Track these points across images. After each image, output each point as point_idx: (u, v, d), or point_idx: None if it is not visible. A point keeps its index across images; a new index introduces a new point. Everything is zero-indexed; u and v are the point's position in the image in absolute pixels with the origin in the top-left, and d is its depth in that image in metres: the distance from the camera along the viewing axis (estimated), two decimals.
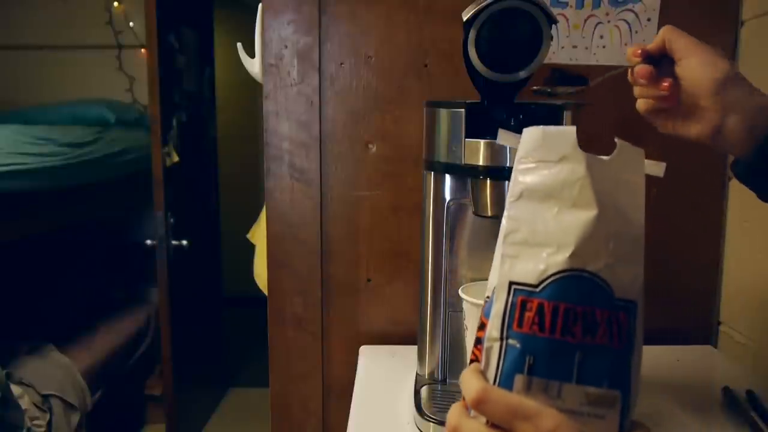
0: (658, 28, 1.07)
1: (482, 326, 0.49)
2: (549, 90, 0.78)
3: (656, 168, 0.53)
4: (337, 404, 1.16)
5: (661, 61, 0.68)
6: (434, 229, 0.89)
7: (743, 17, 1.08)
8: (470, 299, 0.79)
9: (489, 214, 0.81)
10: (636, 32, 1.08)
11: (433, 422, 0.79)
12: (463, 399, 0.47)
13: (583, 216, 0.46)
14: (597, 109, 1.08)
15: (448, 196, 0.87)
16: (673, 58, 0.67)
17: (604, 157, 0.50)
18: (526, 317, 0.45)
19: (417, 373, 0.93)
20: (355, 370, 1.02)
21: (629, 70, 0.71)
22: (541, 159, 0.48)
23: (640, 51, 0.68)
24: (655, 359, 1.02)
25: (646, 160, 0.52)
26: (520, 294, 0.46)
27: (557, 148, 0.48)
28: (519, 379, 0.45)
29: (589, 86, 0.73)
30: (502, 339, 0.46)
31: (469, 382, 0.45)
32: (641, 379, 0.50)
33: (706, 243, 1.14)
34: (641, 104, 0.73)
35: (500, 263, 0.48)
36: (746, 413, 0.82)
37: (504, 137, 0.54)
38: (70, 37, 3.20)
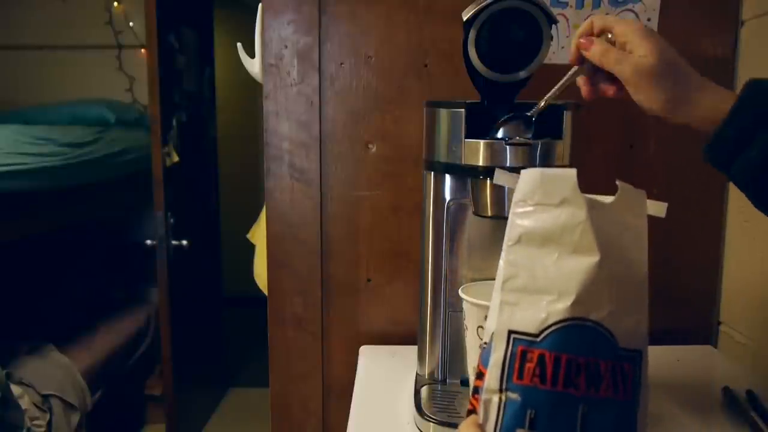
0: (658, 29, 1.07)
1: (480, 375, 0.46)
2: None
3: (658, 208, 0.52)
4: (337, 404, 1.16)
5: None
6: (434, 229, 0.89)
7: (743, 17, 1.08)
8: (470, 299, 0.79)
9: (489, 214, 0.81)
10: None
11: (433, 422, 0.79)
12: None
13: (585, 262, 0.45)
14: (597, 108, 1.08)
15: (448, 196, 0.87)
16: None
17: (606, 200, 0.48)
18: (526, 368, 0.43)
19: (417, 373, 0.93)
20: (355, 370, 1.02)
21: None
22: (539, 202, 0.46)
23: (576, 57, 0.68)
24: (655, 359, 1.02)
25: (648, 201, 0.50)
26: (520, 343, 0.44)
27: (557, 190, 0.46)
28: None
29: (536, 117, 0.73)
30: (501, 391, 0.44)
31: None
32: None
33: (706, 243, 1.14)
34: (585, 91, 0.72)
35: (498, 310, 0.45)
36: (746, 413, 0.82)
37: (501, 177, 0.52)
38: (70, 37, 3.20)
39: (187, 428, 2.73)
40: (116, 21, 3.20)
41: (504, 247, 0.47)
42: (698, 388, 0.95)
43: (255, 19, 1.13)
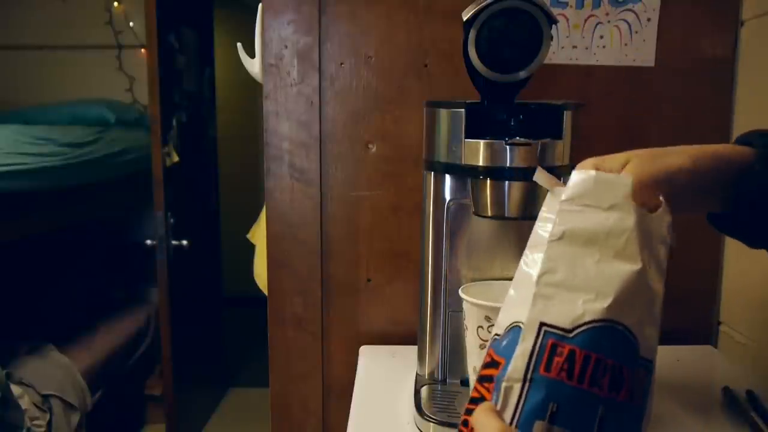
0: (658, 29, 1.07)
1: (493, 364, 0.46)
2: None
3: (672, 237, 0.54)
4: (337, 404, 1.16)
5: None
6: (434, 229, 0.89)
7: (743, 17, 1.08)
8: (470, 299, 0.79)
9: (489, 214, 0.81)
10: (636, 32, 1.08)
11: (433, 422, 0.79)
12: None
13: (627, 268, 0.45)
14: (597, 108, 1.09)
15: (448, 196, 0.87)
16: None
17: (651, 213, 0.49)
18: (555, 362, 0.43)
19: (417, 373, 0.93)
20: (355, 370, 1.02)
21: None
22: (588, 203, 0.47)
23: None
24: None
25: None
26: (551, 337, 0.44)
27: (608, 195, 0.47)
28: (539, 426, 0.42)
29: None
30: (525, 380, 0.44)
31: (487, 422, 0.43)
32: None
33: (706, 243, 1.14)
34: None
35: (532, 302, 0.45)
36: (746, 413, 0.82)
37: (540, 177, 0.52)
38: (70, 37, 3.20)
39: (187, 428, 2.73)
40: (116, 21, 3.20)
41: (536, 243, 0.48)
42: (698, 388, 0.95)
43: (255, 19, 1.13)
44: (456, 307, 0.88)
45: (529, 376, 0.44)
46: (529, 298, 0.46)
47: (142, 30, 2.96)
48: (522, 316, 0.46)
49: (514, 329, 0.46)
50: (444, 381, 0.91)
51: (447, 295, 0.89)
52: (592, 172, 0.48)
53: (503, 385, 0.44)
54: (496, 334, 0.48)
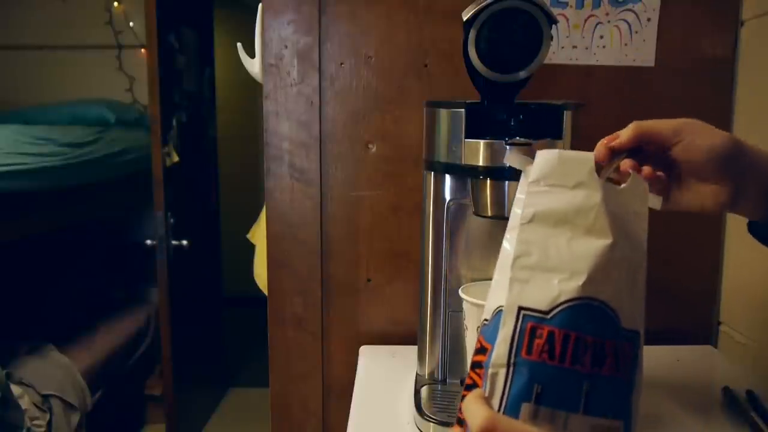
0: (658, 29, 1.07)
1: (482, 350, 0.47)
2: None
3: (654, 201, 0.54)
4: (337, 404, 1.16)
5: (637, 153, 0.61)
6: (434, 229, 0.89)
7: (743, 17, 1.08)
8: (470, 299, 0.79)
9: (489, 214, 0.81)
10: (636, 32, 1.08)
11: (433, 422, 0.79)
12: (458, 423, 0.46)
13: (598, 243, 0.46)
14: (597, 108, 1.08)
15: (448, 196, 0.87)
16: (661, 145, 0.60)
17: (617, 186, 0.49)
18: (535, 344, 0.44)
19: (417, 373, 0.93)
20: (355, 370, 1.02)
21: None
22: (555, 183, 0.48)
23: (611, 148, 0.59)
24: (655, 359, 1.02)
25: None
26: (529, 320, 0.45)
27: (573, 173, 0.47)
28: (526, 408, 0.43)
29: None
30: (509, 365, 0.44)
31: (474, 409, 0.43)
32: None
33: (706, 243, 1.14)
34: None
35: (509, 286, 0.46)
36: (746, 413, 0.82)
37: (512, 158, 0.52)
38: (70, 37, 3.20)
39: (187, 428, 2.73)
40: (116, 21, 3.20)
41: (513, 225, 0.48)
42: (698, 388, 0.95)
43: (255, 19, 1.13)
44: (456, 307, 0.88)
45: (512, 361, 0.44)
46: (507, 282, 0.47)
47: (142, 30, 2.96)
48: (503, 300, 0.46)
49: (498, 314, 0.46)
50: (444, 381, 0.91)
51: (447, 295, 0.89)
52: (556, 152, 0.48)
53: (489, 371, 0.45)
54: (485, 320, 0.49)
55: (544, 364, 0.44)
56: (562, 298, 0.44)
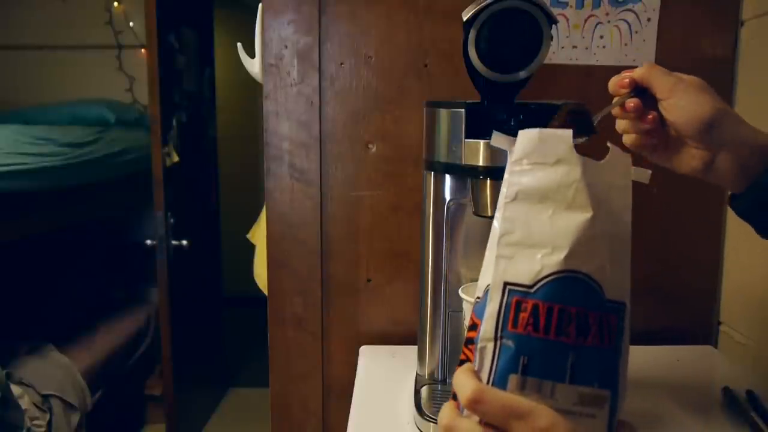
0: (658, 29, 1.07)
1: (473, 326, 0.49)
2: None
3: (642, 174, 0.54)
4: (337, 404, 1.16)
5: (644, 94, 0.66)
6: (434, 229, 0.89)
7: (743, 17, 1.08)
8: (470, 299, 0.79)
9: (489, 214, 0.81)
10: (636, 32, 1.08)
11: (433, 422, 0.79)
12: (453, 398, 0.47)
13: (579, 218, 0.47)
14: (597, 108, 1.08)
15: (448, 196, 0.87)
16: (654, 95, 0.65)
17: (598, 162, 0.50)
18: (520, 318, 0.45)
19: (417, 373, 0.93)
20: (355, 370, 1.02)
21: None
22: (536, 161, 0.49)
23: (627, 81, 0.66)
24: (655, 359, 1.03)
25: (632, 167, 0.53)
26: (515, 294, 0.46)
27: (553, 150, 0.48)
28: (513, 379, 0.45)
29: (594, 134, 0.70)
30: (496, 339, 0.46)
31: (463, 382, 0.45)
32: (636, 380, 0.50)
33: (706, 243, 1.14)
34: (626, 139, 0.71)
35: (495, 264, 0.48)
36: (746, 413, 0.82)
37: (497, 139, 0.53)
38: (70, 37, 3.20)
39: (187, 428, 2.73)
40: (116, 21, 3.20)
41: (500, 205, 0.49)
42: (698, 388, 0.95)
43: (255, 19, 1.13)
44: (456, 307, 0.88)
45: (499, 335, 0.46)
46: (493, 255, 0.48)
47: (142, 30, 2.96)
48: (491, 277, 0.48)
49: (488, 291, 0.48)
50: (444, 381, 0.91)
51: (447, 295, 0.89)
52: (536, 130, 0.49)
53: (478, 345, 0.46)
54: (477, 297, 0.50)
55: (529, 336, 0.45)
56: (545, 272, 0.46)
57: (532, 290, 0.46)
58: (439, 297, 0.90)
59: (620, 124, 0.71)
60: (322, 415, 1.17)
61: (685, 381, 0.96)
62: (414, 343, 0.95)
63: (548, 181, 0.48)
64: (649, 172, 0.55)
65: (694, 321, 1.15)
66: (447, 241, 0.88)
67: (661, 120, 0.66)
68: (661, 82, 0.64)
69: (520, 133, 0.50)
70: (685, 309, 1.14)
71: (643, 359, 1.00)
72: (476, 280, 0.87)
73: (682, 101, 0.63)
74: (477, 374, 0.46)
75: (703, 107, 0.62)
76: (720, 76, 1.10)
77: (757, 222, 0.67)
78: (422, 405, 0.83)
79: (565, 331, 0.45)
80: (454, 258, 0.89)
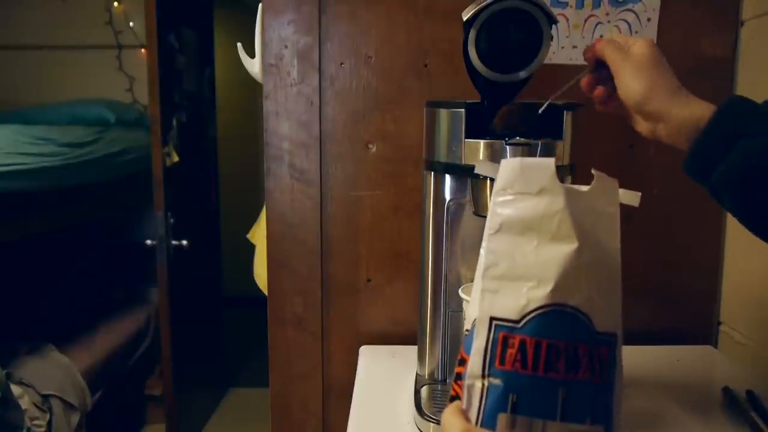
0: (658, 29, 1.07)
1: (462, 362, 0.47)
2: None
3: (632, 197, 0.53)
4: (337, 404, 1.16)
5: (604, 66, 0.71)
6: (434, 229, 0.89)
7: (743, 17, 1.08)
8: (470, 299, 0.79)
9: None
10: (636, 32, 1.08)
11: (433, 422, 0.79)
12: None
13: (564, 249, 0.46)
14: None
15: (448, 196, 0.87)
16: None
17: (582, 188, 0.49)
18: (508, 354, 0.44)
19: (417, 373, 0.93)
20: (355, 370, 1.02)
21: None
22: (519, 191, 0.47)
23: (588, 56, 0.72)
24: (655, 359, 1.03)
25: (621, 190, 0.52)
26: (501, 330, 0.45)
27: (535, 180, 0.47)
28: (502, 419, 0.44)
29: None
30: (484, 376, 0.45)
31: (452, 422, 0.44)
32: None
33: (706, 243, 1.14)
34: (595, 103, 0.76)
35: (480, 298, 0.46)
36: (746, 413, 0.82)
37: (483, 167, 0.53)
38: (70, 37, 3.20)
39: (187, 428, 2.73)
40: (116, 21, 3.20)
41: (485, 236, 0.48)
42: (698, 388, 0.95)
43: (255, 19, 1.13)
44: (456, 307, 0.88)
45: (486, 372, 0.45)
46: (479, 288, 0.47)
47: (142, 30, 2.96)
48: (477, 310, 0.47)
49: (475, 324, 0.47)
50: (444, 381, 0.91)
51: (447, 296, 0.89)
52: (518, 159, 0.48)
53: (466, 383, 0.45)
54: (466, 330, 0.49)
55: (517, 373, 0.44)
56: (532, 306, 0.45)
57: (519, 325, 0.44)
58: (439, 297, 0.90)
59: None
60: (322, 415, 1.17)
61: (685, 381, 0.96)
62: (414, 343, 0.95)
63: (532, 211, 0.47)
64: (638, 194, 0.53)
65: (694, 321, 1.15)
66: (447, 241, 0.88)
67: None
68: (611, 60, 0.69)
69: (503, 162, 0.49)
70: (686, 309, 1.14)
71: (643, 359, 1.00)
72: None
73: (623, 78, 0.67)
74: (466, 413, 0.45)
75: (635, 86, 0.67)
76: (720, 76, 1.10)
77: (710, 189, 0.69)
78: (422, 405, 0.83)
79: (554, 367, 0.44)
80: (454, 258, 0.89)
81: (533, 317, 0.44)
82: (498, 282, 0.46)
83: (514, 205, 0.47)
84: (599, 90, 0.73)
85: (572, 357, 0.44)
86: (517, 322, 0.45)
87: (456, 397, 0.47)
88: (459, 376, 0.47)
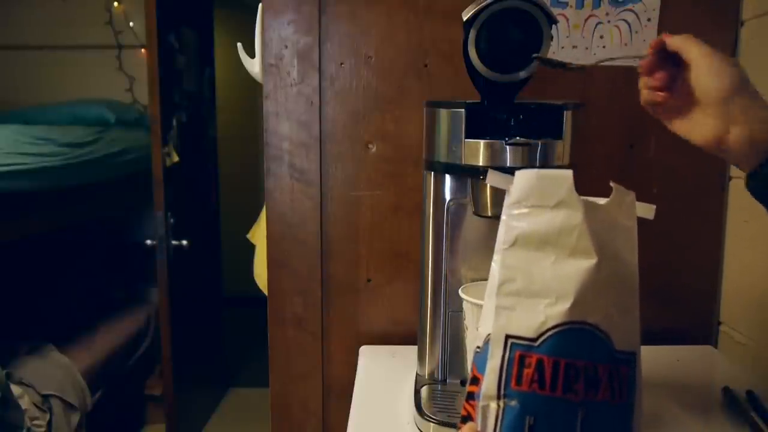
0: (658, 28, 1.07)
1: (475, 380, 0.46)
2: (554, 61, 0.74)
3: (646, 210, 0.51)
4: (337, 404, 1.16)
5: (674, 59, 0.67)
6: (434, 229, 0.89)
7: (743, 17, 1.08)
8: (470, 299, 0.79)
9: (489, 214, 0.81)
10: (636, 32, 1.08)
11: (433, 422, 0.79)
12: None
13: (583, 264, 0.44)
14: (597, 108, 1.09)
15: (448, 196, 0.87)
16: (685, 61, 0.66)
17: (599, 201, 0.47)
18: (525, 374, 0.43)
19: (417, 373, 0.93)
20: (355, 370, 1.02)
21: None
22: (535, 204, 0.46)
23: (655, 42, 0.67)
24: (655, 359, 1.02)
25: (636, 203, 0.50)
26: (517, 348, 0.43)
27: (553, 192, 0.46)
28: None
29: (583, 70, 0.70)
30: (499, 397, 0.43)
31: None
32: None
33: (706, 243, 1.14)
34: (642, 95, 0.71)
35: (494, 314, 0.45)
36: (746, 413, 0.82)
37: (494, 178, 0.50)
38: (70, 37, 3.20)
39: (187, 428, 2.73)
40: (116, 21, 3.20)
41: (498, 249, 0.47)
42: (698, 388, 0.95)
43: (255, 19, 1.13)
44: (456, 307, 0.88)
45: (502, 393, 0.43)
46: (493, 305, 0.45)
47: (142, 30, 2.96)
48: (491, 328, 0.45)
49: (489, 342, 0.45)
50: (444, 381, 0.91)
51: (447, 295, 0.89)
52: (534, 171, 0.47)
53: (480, 404, 0.44)
54: (477, 347, 0.47)
55: (534, 394, 0.42)
56: (549, 324, 0.43)
57: (536, 344, 0.43)
58: (439, 297, 0.90)
59: (640, 82, 0.71)
60: (322, 415, 1.17)
61: (685, 381, 0.96)
62: (414, 343, 0.95)
63: (549, 225, 0.45)
64: (654, 207, 0.51)
65: (694, 321, 1.15)
66: (447, 241, 0.88)
67: (684, 86, 0.67)
68: (693, 49, 0.64)
69: (518, 173, 0.47)
70: (686, 309, 1.14)
71: (643, 359, 1.00)
72: (477, 280, 0.88)
73: (707, 68, 0.63)
74: None
75: (724, 78, 0.63)
76: None
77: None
78: (422, 405, 0.83)
79: (573, 388, 0.42)
80: (454, 258, 0.89)
81: (551, 335, 0.43)
82: (514, 298, 0.44)
83: (530, 219, 0.46)
84: (660, 75, 0.67)
85: (592, 377, 0.43)
86: (534, 340, 0.43)
87: (468, 418, 0.46)
88: (471, 396, 0.46)
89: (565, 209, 0.45)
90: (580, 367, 0.43)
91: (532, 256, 0.45)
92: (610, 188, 0.49)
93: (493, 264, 0.47)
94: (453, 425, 0.78)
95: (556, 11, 1.06)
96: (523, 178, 0.47)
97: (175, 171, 2.54)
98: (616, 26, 1.07)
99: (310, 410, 1.17)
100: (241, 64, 1.18)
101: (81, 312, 2.91)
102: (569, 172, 0.46)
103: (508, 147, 0.76)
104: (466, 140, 0.79)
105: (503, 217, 0.47)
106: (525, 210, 0.46)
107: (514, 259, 0.45)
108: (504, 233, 0.46)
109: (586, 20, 1.08)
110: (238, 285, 2.88)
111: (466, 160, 0.79)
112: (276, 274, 1.14)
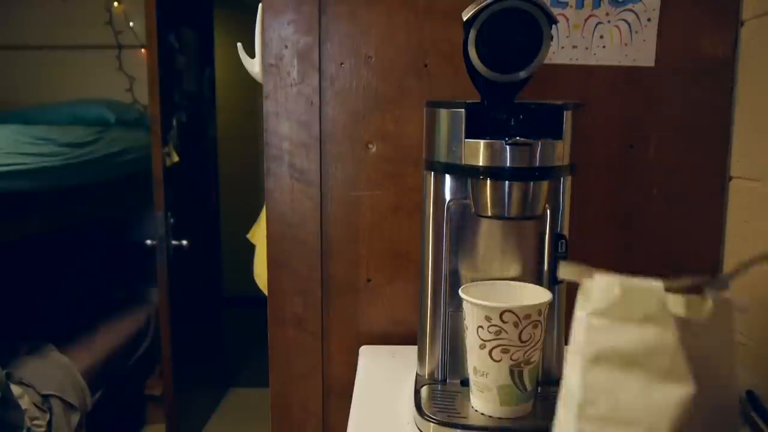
0: (658, 28, 1.07)
1: None
2: None
3: (742, 304, 0.46)
4: (337, 404, 1.16)
5: None
6: (434, 229, 0.89)
7: (743, 17, 1.08)
8: (470, 299, 0.79)
9: (489, 214, 0.81)
10: (636, 32, 1.08)
11: (433, 422, 0.79)
12: None
13: (678, 392, 0.39)
14: (597, 108, 1.09)
15: (448, 196, 0.87)
16: None
17: (694, 317, 0.41)
18: None
19: (417, 373, 0.93)
20: (355, 370, 1.02)
21: None
22: (619, 317, 0.40)
23: None
24: None
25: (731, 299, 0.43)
26: None
27: (639, 305, 0.40)
28: None
29: None
30: None
31: None
32: None
33: (706, 243, 1.14)
34: None
35: None
36: (746, 413, 0.82)
37: (566, 271, 0.44)
38: (70, 37, 3.20)
39: (187, 428, 2.73)
40: (116, 21, 3.20)
41: (575, 362, 0.41)
42: None
43: (255, 19, 1.13)
44: (456, 307, 0.88)
45: None
46: (572, 428, 0.40)
47: (142, 30, 2.96)
48: None
49: None
50: (444, 381, 0.90)
51: (447, 295, 0.89)
52: (616, 281, 0.41)
53: None
54: None
55: None
56: None
57: None
58: (439, 297, 0.90)
59: None
60: (322, 415, 1.17)
61: None
62: (414, 343, 0.95)
63: (636, 343, 0.39)
64: (747, 298, 0.46)
65: None
66: (447, 241, 0.88)
67: None
68: None
69: (596, 281, 0.41)
70: None
71: None
72: (477, 280, 0.88)
73: None
74: None
75: None
76: (720, 76, 1.10)
77: None
78: (422, 405, 0.83)
79: None
80: (454, 258, 0.89)
81: None
82: (598, 424, 0.39)
83: (612, 333, 0.40)
84: None
85: None
86: None
87: None
88: None
89: (654, 326, 0.40)
90: None
91: (618, 378, 0.40)
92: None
93: (568, 380, 0.41)
94: (453, 425, 0.78)
95: (556, 11, 1.06)
96: (603, 287, 0.41)
97: (175, 171, 2.54)
98: (616, 26, 1.07)
99: (310, 410, 1.17)
100: (241, 64, 1.18)
101: (81, 312, 2.91)
102: (659, 285, 0.41)
103: (508, 147, 0.76)
104: (466, 140, 0.79)
105: (581, 319, 0.41)
106: (606, 322, 0.41)
107: (596, 379, 0.40)
108: (584, 343, 0.40)
109: (586, 20, 1.08)
110: (238, 285, 2.88)
111: (466, 160, 0.79)
112: (276, 274, 1.14)
